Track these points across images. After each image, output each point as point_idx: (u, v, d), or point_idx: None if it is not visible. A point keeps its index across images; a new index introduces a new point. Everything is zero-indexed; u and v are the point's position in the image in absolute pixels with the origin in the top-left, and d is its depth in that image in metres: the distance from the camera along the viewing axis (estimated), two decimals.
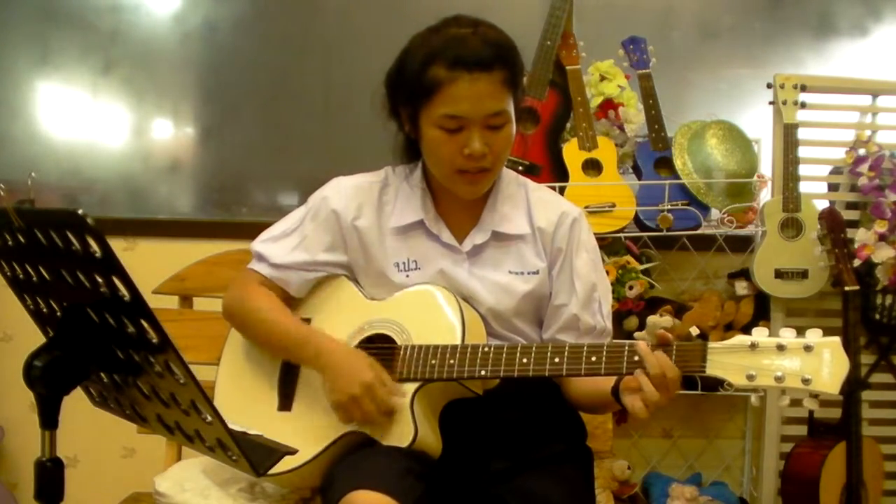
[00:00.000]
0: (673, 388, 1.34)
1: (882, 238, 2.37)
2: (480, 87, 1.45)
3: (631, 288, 2.44)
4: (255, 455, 1.10)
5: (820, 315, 2.55)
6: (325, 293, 1.65)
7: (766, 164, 2.57)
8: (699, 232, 2.52)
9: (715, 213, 2.53)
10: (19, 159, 2.77)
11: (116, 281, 0.97)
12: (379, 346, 1.55)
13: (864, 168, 2.49)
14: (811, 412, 2.40)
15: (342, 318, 1.60)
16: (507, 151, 1.55)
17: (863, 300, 2.43)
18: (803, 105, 2.50)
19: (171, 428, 1.17)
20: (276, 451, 1.22)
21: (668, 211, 2.45)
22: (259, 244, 1.67)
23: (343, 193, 1.64)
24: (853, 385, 2.27)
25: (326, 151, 2.81)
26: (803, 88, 2.49)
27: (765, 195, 2.55)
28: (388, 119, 1.60)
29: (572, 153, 2.44)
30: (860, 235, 2.39)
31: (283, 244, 1.64)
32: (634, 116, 2.51)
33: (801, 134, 2.50)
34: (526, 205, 1.64)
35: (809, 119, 2.54)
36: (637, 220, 2.47)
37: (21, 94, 2.79)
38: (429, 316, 1.52)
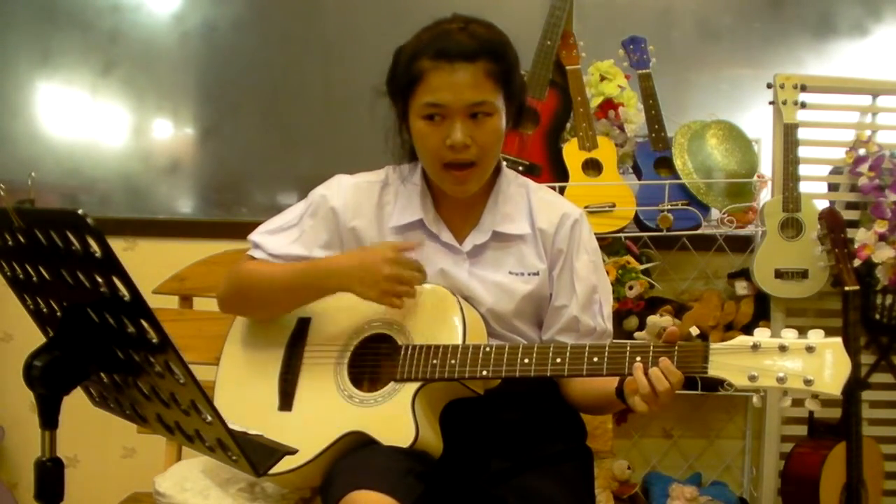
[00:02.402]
0: (675, 388, 1.34)
1: (882, 238, 2.37)
2: (460, 77, 1.46)
3: (631, 288, 2.44)
4: (255, 455, 1.10)
5: (820, 315, 2.55)
6: None
7: (766, 164, 2.57)
8: (699, 232, 2.52)
9: (715, 213, 2.53)
10: (19, 159, 2.77)
11: (116, 281, 0.97)
12: (380, 347, 1.55)
13: (864, 168, 2.49)
14: (811, 412, 2.40)
15: (342, 319, 1.60)
16: (494, 146, 1.55)
17: (863, 300, 2.43)
18: (803, 105, 2.50)
19: (171, 428, 1.16)
20: (276, 451, 1.22)
21: (668, 211, 2.45)
22: (257, 235, 1.67)
23: (343, 192, 1.64)
24: (853, 385, 2.27)
25: (326, 151, 2.80)
26: (803, 88, 2.49)
27: (765, 195, 2.55)
28: (398, 122, 1.60)
29: (572, 153, 2.44)
30: (860, 235, 2.39)
31: (281, 237, 1.65)
32: (634, 116, 2.51)
33: (801, 134, 2.50)
34: (527, 205, 1.64)
35: (809, 119, 2.54)
36: (637, 220, 2.47)
37: (21, 94, 2.79)
38: (429, 316, 1.52)
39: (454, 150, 1.50)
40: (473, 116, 1.49)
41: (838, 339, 1.30)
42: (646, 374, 1.34)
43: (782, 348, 1.30)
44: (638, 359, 1.37)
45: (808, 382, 1.28)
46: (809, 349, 1.29)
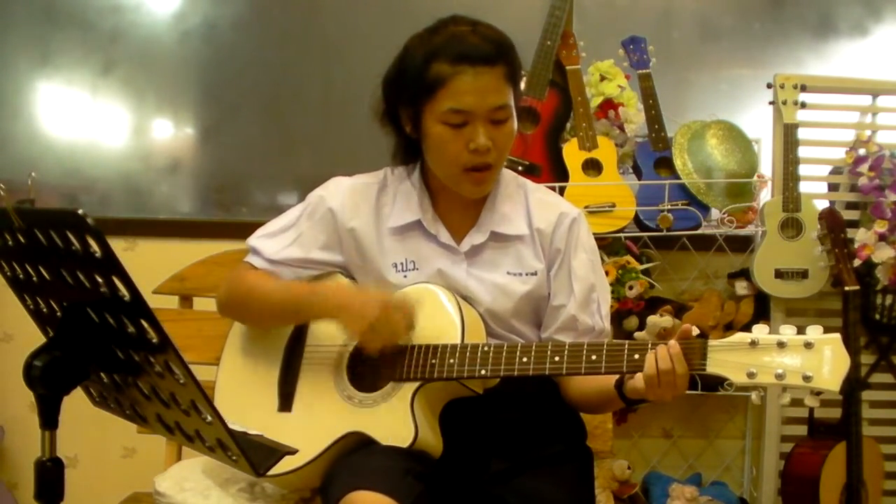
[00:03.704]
0: (679, 384, 1.34)
1: (882, 238, 2.37)
2: (484, 81, 1.46)
3: (631, 288, 2.44)
4: (255, 455, 1.10)
5: (820, 315, 2.54)
6: None
7: (766, 164, 2.57)
8: (699, 232, 2.52)
9: (715, 213, 2.53)
10: (19, 159, 2.77)
11: (116, 281, 0.97)
12: None
13: (864, 168, 2.49)
14: (811, 412, 2.41)
15: None
16: (509, 147, 1.56)
17: (863, 300, 2.43)
18: (803, 105, 2.50)
19: (171, 428, 1.16)
20: (276, 451, 1.22)
21: (668, 211, 2.45)
22: (255, 239, 1.67)
23: (341, 193, 1.64)
24: (853, 385, 2.27)
25: (326, 151, 2.81)
26: (803, 88, 2.49)
27: (765, 195, 2.55)
28: (381, 123, 1.60)
29: (572, 153, 2.44)
30: (860, 235, 2.39)
31: (279, 240, 1.65)
32: (634, 116, 2.51)
33: (801, 134, 2.50)
34: (525, 205, 1.64)
35: (809, 119, 2.54)
36: (637, 220, 2.47)
37: (21, 94, 2.79)
38: (428, 315, 1.52)
39: (477, 153, 1.50)
40: (493, 119, 1.49)
41: (837, 336, 1.30)
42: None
43: (781, 345, 1.30)
44: (636, 356, 1.37)
45: (806, 378, 1.28)
46: (808, 345, 1.29)
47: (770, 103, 2.54)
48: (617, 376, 1.44)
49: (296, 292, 1.58)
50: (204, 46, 2.81)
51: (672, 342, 1.35)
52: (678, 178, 2.48)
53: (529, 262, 1.60)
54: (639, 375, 1.37)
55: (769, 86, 2.52)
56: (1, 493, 2.62)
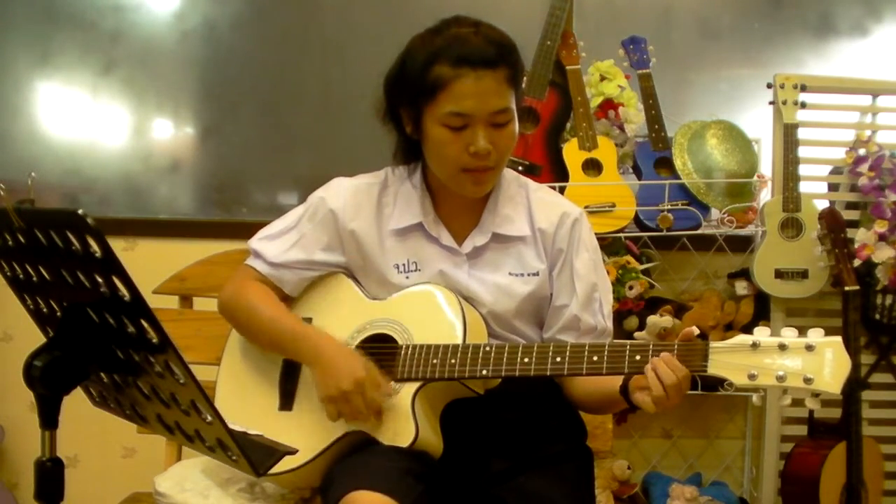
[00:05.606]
0: (684, 386, 1.34)
1: (882, 238, 2.37)
2: (485, 85, 1.45)
3: (631, 288, 2.44)
4: (255, 455, 1.10)
5: (820, 315, 2.55)
6: (326, 292, 1.65)
7: (766, 164, 2.58)
8: (699, 232, 2.52)
9: (715, 213, 2.53)
10: (19, 159, 2.77)
11: (116, 281, 0.97)
12: (380, 346, 1.55)
13: (864, 168, 2.50)
14: (811, 412, 2.40)
15: (343, 318, 1.60)
16: (510, 150, 1.56)
17: (863, 300, 2.43)
18: (803, 105, 2.50)
19: (171, 428, 1.16)
20: (276, 451, 1.22)
21: (668, 211, 2.45)
22: (256, 241, 1.67)
23: (342, 194, 1.64)
24: (853, 385, 2.27)
25: (326, 151, 2.81)
26: (803, 88, 2.49)
27: (765, 195, 2.56)
28: (383, 122, 1.60)
29: (572, 153, 2.44)
30: (860, 235, 2.39)
31: (280, 242, 1.64)
32: (634, 116, 2.51)
33: (801, 134, 2.50)
34: (527, 206, 1.63)
35: (809, 119, 2.54)
36: (637, 220, 2.47)
37: (21, 94, 2.79)
38: (430, 315, 1.52)
39: (477, 157, 1.49)
40: (494, 122, 1.49)
41: (838, 338, 1.30)
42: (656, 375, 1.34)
43: (782, 347, 1.30)
44: (638, 357, 1.37)
45: (807, 381, 1.28)
46: (809, 348, 1.29)
47: (770, 103, 2.54)
48: (622, 381, 1.44)
49: (288, 332, 1.56)
50: (204, 46, 2.81)
51: (665, 354, 1.35)
52: (678, 178, 2.48)
53: (531, 262, 1.60)
54: (646, 395, 1.36)
55: (769, 86, 2.53)
56: (1, 493, 2.62)
